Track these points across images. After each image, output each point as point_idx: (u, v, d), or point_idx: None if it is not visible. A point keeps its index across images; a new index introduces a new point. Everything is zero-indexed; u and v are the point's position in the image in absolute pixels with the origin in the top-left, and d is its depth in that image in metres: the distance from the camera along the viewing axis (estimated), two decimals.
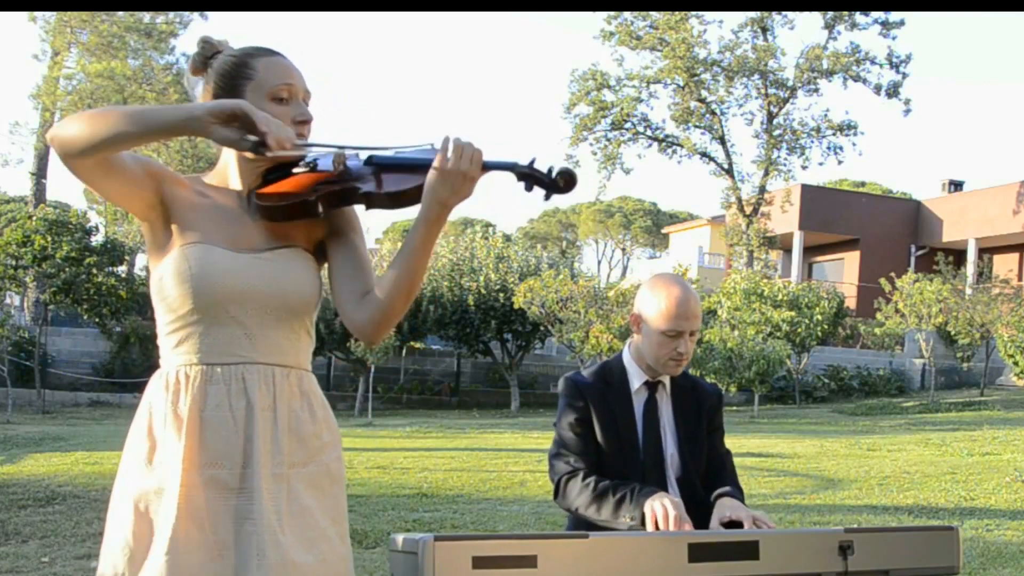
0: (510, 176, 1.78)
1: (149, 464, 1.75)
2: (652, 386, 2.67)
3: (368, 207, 1.81)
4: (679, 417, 2.66)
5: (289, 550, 1.72)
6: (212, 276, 1.75)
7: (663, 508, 2.30)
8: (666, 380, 2.69)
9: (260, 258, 1.80)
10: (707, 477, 2.66)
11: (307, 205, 1.79)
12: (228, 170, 1.89)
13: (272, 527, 1.72)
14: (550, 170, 1.76)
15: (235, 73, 1.84)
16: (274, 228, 1.84)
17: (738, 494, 2.58)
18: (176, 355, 1.79)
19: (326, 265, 1.92)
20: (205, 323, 1.76)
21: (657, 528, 2.30)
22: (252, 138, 1.71)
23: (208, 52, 1.89)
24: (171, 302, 1.77)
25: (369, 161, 1.83)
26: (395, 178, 1.80)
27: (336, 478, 1.86)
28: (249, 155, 1.78)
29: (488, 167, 1.75)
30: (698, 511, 2.44)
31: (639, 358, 2.66)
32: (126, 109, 1.70)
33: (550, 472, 2.62)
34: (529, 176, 1.76)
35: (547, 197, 1.78)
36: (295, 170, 1.84)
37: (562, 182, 1.76)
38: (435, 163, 1.71)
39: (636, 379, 2.66)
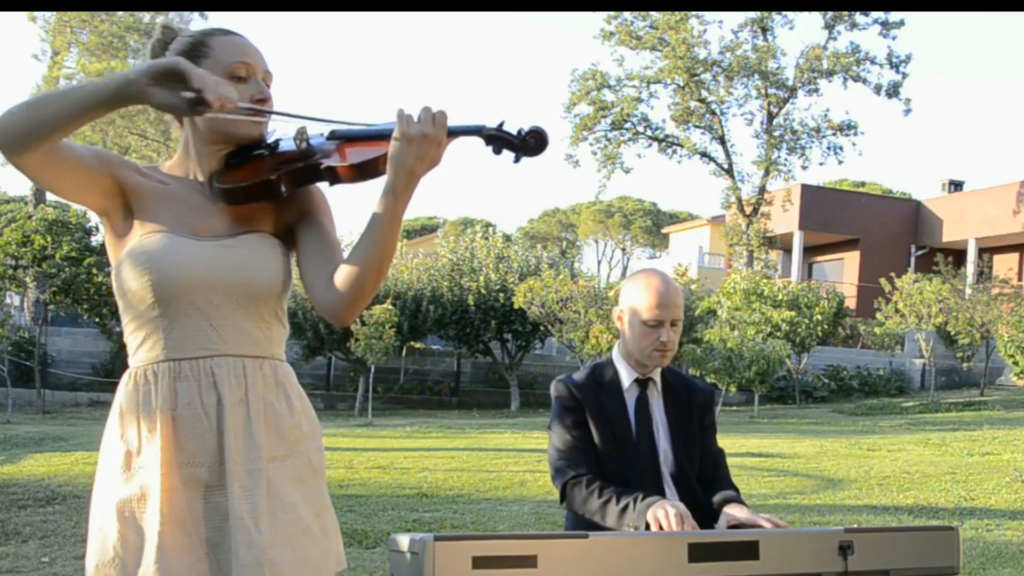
0: (478, 141, 1.70)
1: (127, 470, 1.70)
2: (643, 383, 2.68)
3: (332, 183, 1.74)
4: (671, 414, 2.67)
5: (265, 549, 1.67)
6: (172, 266, 1.68)
7: (665, 514, 2.30)
8: (657, 378, 2.69)
9: (223, 245, 1.74)
10: (702, 476, 2.67)
11: (269, 184, 1.73)
12: (188, 157, 1.82)
13: (245, 526, 1.67)
14: (519, 131, 1.70)
15: (191, 52, 1.78)
16: (239, 213, 1.78)
17: (738, 497, 2.59)
18: (142, 353, 1.73)
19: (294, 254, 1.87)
20: (169, 317, 1.70)
21: None
22: (188, 94, 1.57)
23: (168, 37, 1.84)
24: (132, 296, 1.71)
25: (332, 136, 1.77)
26: (358, 149, 1.72)
27: (318, 469, 1.81)
28: (202, 126, 1.74)
29: (454, 132, 1.67)
30: (693, 508, 2.44)
31: (628, 355, 2.68)
32: (62, 90, 1.59)
33: (553, 477, 2.63)
34: (497, 138, 1.69)
35: (517, 159, 1.71)
36: (256, 153, 1.79)
37: (532, 141, 1.69)
38: (397, 128, 1.63)
39: (627, 377, 2.67)
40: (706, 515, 2.50)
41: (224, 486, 1.68)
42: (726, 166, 27.76)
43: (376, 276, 1.71)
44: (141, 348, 1.73)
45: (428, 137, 1.62)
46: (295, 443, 1.77)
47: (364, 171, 1.70)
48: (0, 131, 1.57)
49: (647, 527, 2.33)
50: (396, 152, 1.63)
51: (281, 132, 1.81)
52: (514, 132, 1.70)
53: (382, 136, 1.71)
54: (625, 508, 2.41)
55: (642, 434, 2.63)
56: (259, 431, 1.72)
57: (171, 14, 25.53)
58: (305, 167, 1.74)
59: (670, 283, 2.63)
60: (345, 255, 1.77)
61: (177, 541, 1.66)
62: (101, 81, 1.59)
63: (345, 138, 1.76)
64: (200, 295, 1.70)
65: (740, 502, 2.54)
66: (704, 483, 2.65)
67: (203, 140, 1.79)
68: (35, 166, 1.62)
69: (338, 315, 1.75)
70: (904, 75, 27.30)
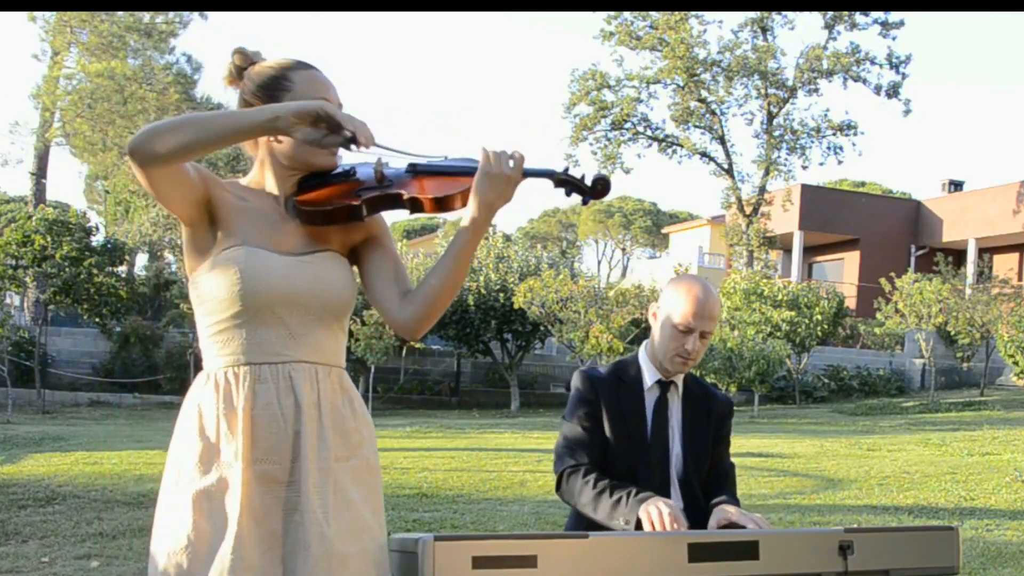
0: (547, 182, 1.89)
1: (204, 464, 1.80)
2: (665, 385, 2.68)
3: (412, 211, 1.89)
4: (688, 420, 2.68)
5: (334, 542, 1.79)
6: (261, 278, 1.81)
7: (658, 511, 2.29)
8: (679, 382, 2.70)
9: (302, 261, 1.87)
10: (708, 487, 2.66)
11: (352, 209, 1.88)
12: (264, 176, 1.95)
13: (317, 520, 1.78)
14: (583, 177, 1.88)
15: (274, 85, 1.91)
16: (312, 232, 1.91)
17: (735, 504, 2.58)
18: (223, 356, 1.84)
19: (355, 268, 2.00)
20: (252, 324, 1.82)
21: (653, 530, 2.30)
22: (347, 133, 1.79)
23: (243, 63, 1.96)
24: (218, 304, 1.83)
25: (410, 168, 1.91)
26: (437, 184, 1.89)
27: (375, 471, 1.95)
28: (310, 155, 1.88)
29: (528, 173, 1.85)
30: (697, 514, 2.44)
31: (653, 355, 2.69)
32: (206, 115, 1.76)
33: (555, 463, 2.65)
34: (567, 182, 1.88)
35: (585, 202, 1.93)
36: (331, 177, 1.91)
37: (600, 186, 1.88)
38: (481, 167, 1.82)
39: (649, 377, 2.68)
40: (706, 523, 2.49)
41: (293, 482, 1.80)
42: (726, 166, 27.76)
43: (450, 296, 1.92)
44: (223, 351, 1.85)
45: (508, 177, 1.82)
46: (357, 445, 1.91)
47: (443, 205, 1.88)
48: (147, 150, 1.70)
49: (638, 523, 2.33)
50: (478, 188, 1.82)
51: (357, 159, 1.93)
52: (578, 176, 1.88)
53: (457, 173, 1.89)
54: (618, 501, 2.41)
55: (657, 435, 2.63)
56: (328, 433, 1.85)
57: (170, 14, 25.55)
58: (385, 195, 1.88)
59: (711, 295, 2.62)
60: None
61: (251, 532, 1.77)
62: (248, 113, 1.78)
63: (423, 172, 1.90)
64: (283, 306, 1.83)
65: (732, 504, 2.53)
66: (709, 496, 2.64)
67: (281, 164, 1.93)
68: (160, 176, 1.75)
69: (414, 330, 1.94)
70: (904, 75, 27.33)
